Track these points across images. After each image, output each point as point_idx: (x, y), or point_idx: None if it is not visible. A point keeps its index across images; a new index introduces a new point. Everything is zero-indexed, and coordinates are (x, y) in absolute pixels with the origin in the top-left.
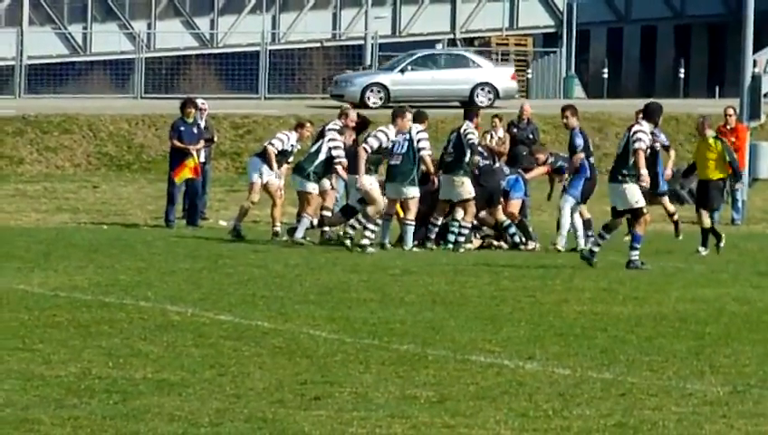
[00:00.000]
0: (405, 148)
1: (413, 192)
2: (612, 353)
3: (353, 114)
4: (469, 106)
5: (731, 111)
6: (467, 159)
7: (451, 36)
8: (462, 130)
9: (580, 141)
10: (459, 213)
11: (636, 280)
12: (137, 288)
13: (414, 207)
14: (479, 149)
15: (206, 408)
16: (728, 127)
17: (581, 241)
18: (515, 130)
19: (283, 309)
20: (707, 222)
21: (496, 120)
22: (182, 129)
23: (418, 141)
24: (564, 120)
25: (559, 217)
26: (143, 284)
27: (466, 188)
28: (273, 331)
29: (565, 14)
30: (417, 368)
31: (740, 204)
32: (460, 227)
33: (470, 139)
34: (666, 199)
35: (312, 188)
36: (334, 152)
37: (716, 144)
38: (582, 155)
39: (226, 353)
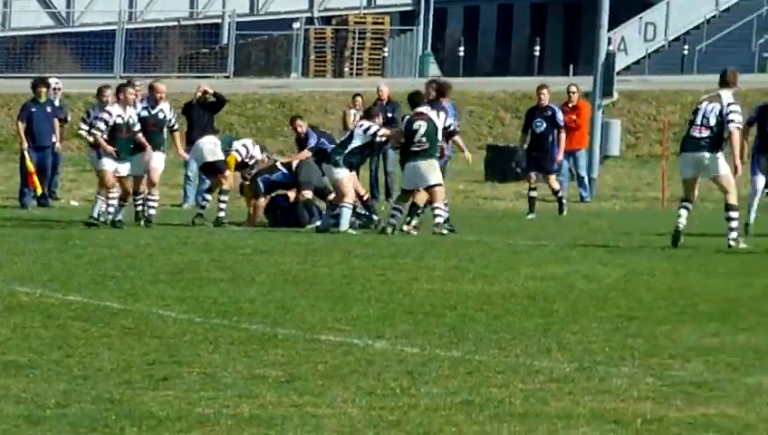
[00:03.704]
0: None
1: (340, 173)
2: (461, 331)
3: (162, 86)
4: None
5: (573, 89)
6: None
7: (309, 15)
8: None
9: None
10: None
11: (485, 258)
12: None
13: (347, 188)
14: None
15: (53, 389)
16: (570, 105)
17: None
18: None
19: (132, 289)
20: None
21: (358, 98)
22: (33, 110)
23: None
24: None
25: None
26: None
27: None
28: (122, 311)
29: None
30: (266, 347)
31: (587, 181)
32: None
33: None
34: (552, 178)
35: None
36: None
37: None
38: None
39: (75, 334)
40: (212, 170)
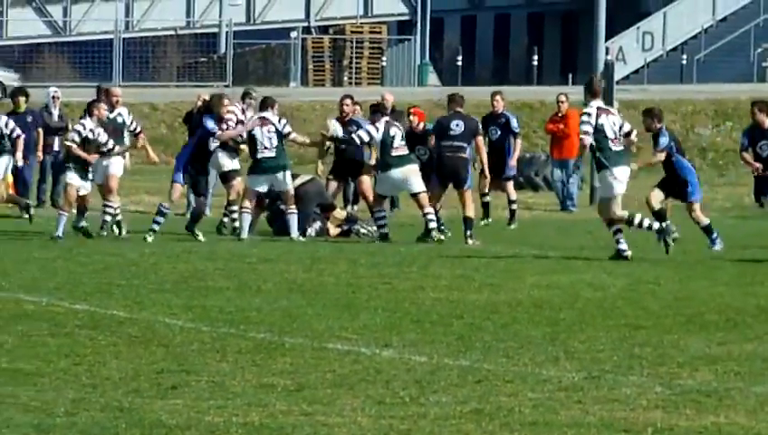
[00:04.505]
0: (276, 141)
1: (290, 182)
2: (468, 340)
3: (117, 90)
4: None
5: (563, 98)
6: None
7: (306, 24)
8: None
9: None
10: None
11: (491, 267)
12: None
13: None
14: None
15: (62, 397)
16: (559, 114)
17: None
18: None
19: (138, 298)
20: None
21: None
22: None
23: (284, 127)
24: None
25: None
26: None
27: None
28: (128, 320)
29: (419, 1)
30: (274, 356)
31: (574, 191)
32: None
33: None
34: (510, 185)
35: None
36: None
37: None
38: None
39: (82, 343)
40: (225, 180)
